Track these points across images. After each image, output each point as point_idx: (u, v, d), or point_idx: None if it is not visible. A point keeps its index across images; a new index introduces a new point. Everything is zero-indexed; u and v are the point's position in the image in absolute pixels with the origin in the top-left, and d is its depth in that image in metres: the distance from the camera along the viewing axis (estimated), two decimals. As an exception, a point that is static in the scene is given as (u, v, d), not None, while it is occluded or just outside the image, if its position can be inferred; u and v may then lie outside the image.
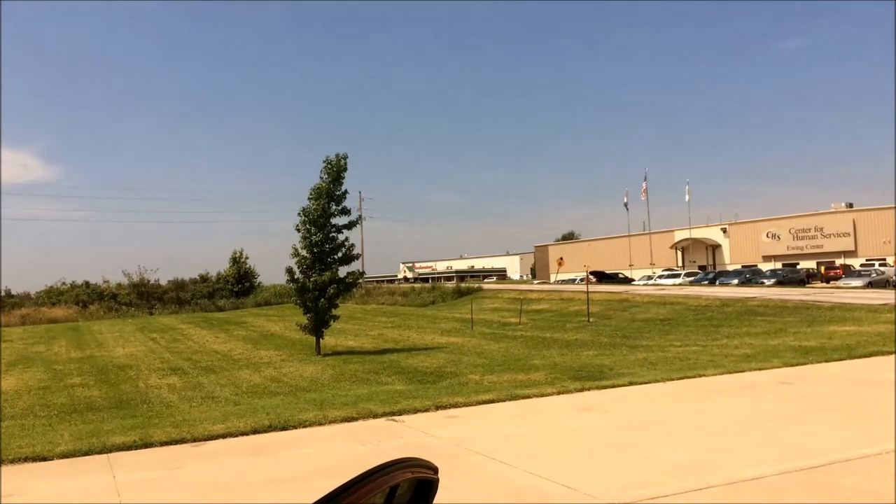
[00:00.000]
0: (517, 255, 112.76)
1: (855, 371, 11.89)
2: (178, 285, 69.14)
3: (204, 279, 71.54)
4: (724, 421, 8.27)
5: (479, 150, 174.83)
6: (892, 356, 13.19)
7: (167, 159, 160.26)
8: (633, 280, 59.55)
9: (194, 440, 8.16)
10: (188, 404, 13.82)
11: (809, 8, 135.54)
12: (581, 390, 10.76)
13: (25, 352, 28.92)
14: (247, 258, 70.99)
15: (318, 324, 23.77)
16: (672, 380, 11.49)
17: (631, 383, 11.25)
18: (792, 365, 12.78)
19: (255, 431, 8.48)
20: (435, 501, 1.47)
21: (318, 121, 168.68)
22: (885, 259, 51.79)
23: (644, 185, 69.77)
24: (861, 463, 6.06)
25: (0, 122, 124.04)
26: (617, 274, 63.41)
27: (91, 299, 62.49)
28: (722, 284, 46.47)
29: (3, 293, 64.55)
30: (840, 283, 44.34)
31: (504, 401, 10.09)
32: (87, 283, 67.07)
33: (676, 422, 8.35)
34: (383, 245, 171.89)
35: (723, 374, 12.02)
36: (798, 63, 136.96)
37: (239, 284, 67.98)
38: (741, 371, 12.22)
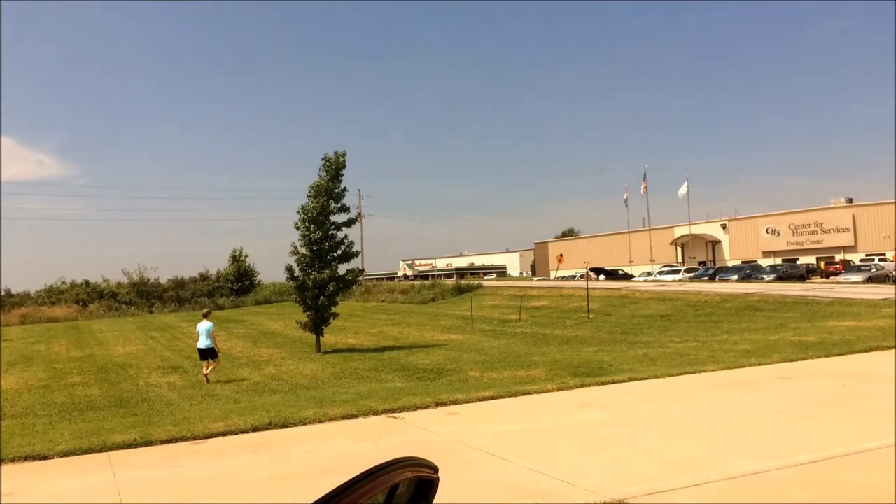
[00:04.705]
0: (517, 251, 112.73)
1: (855, 366, 11.90)
2: (178, 284, 69.11)
3: (204, 277, 71.53)
4: (724, 416, 8.28)
5: (478, 147, 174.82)
6: (892, 351, 13.20)
7: (167, 158, 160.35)
8: (632, 276, 59.55)
9: (195, 438, 8.16)
10: (188, 402, 13.83)
11: (808, 5, 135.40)
12: (581, 386, 10.76)
13: (25, 351, 28.90)
14: (246, 256, 70.96)
15: (318, 321, 23.76)
16: (672, 376, 11.50)
17: (631, 379, 11.26)
18: (792, 360, 12.80)
19: (255, 429, 8.48)
20: (435, 500, 1.47)
21: (317, 118, 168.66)
22: (884, 254, 51.75)
23: (644, 182, 69.72)
24: (861, 457, 6.07)
25: (0, 119, 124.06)
26: (617, 270, 63.38)
27: (91, 298, 62.46)
28: (722, 280, 46.45)
29: (3, 292, 64.63)
30: (840, 278, 44.34)
31: (504, 397, 10.10)
32: (86, 282, 67.08)
33: (676, 417, 8.36)
34: (383, 242, 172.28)
35: (723, 369, 12.03)
36: (798, 59, 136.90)
37: (239, 283, 67.96)
38: (741, 367, 12.23)
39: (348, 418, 8.99)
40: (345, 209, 24.28)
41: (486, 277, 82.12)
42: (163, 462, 7.19)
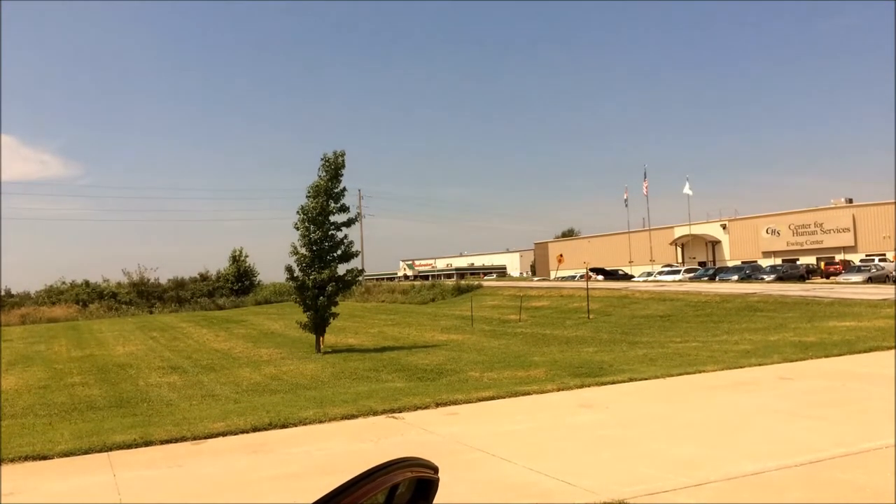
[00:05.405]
0: (517, 252, 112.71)
1: (855, 366, 11.89)
2: (178, 284, 69.08)
3: (204, 278, 71.50)
4: (724, 416, 8.27)
5: (479, 147, 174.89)
6: (892, 351, 13.19)
7: (167, 158, 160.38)
8: (632, 276, 59.54)
9: (194, 438, 8.16)
10: (188, 402, 13.84)
11: (809, 3, 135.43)
12: (581, 387, 10.76)
13: (25, 351, 28.91)
14: (246, 256, 70.96)
15: (318, 321, 23.77)
16: (672, 376, 11.50)
17: (631, 379, 11.26)
18: (792, 360, 12.79)
19: (255, 429, 8.48)
20: (435, 500, 1.47)
21: (317, 118, 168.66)
22: (884, 254, 51.74)
23: (645, 181, 69.70)
24: (861, 458, 6.07)
25: (0, 119, 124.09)
26: (617, 270, 63.37)
27: (91, 298, 62.43)
28: (722, 280, 46.40)
29: (3, 292, 64.59)
30: (840, 278, 44.31)
31: (504, 397, 10.10)
32: (86, 282, 67.02)
33: (676, 418, 8.35)
34: (383, 243, 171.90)
35: (722, 369, 12.02)
36: (799, 58, 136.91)
37: (239, 283, 67.94)
38: (741, 367, 12.23)
39: (348, 418, 8.99)
40: (344, 209, 24.33)
41: (486, 277, 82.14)
42: (163, 462, 7.19)
